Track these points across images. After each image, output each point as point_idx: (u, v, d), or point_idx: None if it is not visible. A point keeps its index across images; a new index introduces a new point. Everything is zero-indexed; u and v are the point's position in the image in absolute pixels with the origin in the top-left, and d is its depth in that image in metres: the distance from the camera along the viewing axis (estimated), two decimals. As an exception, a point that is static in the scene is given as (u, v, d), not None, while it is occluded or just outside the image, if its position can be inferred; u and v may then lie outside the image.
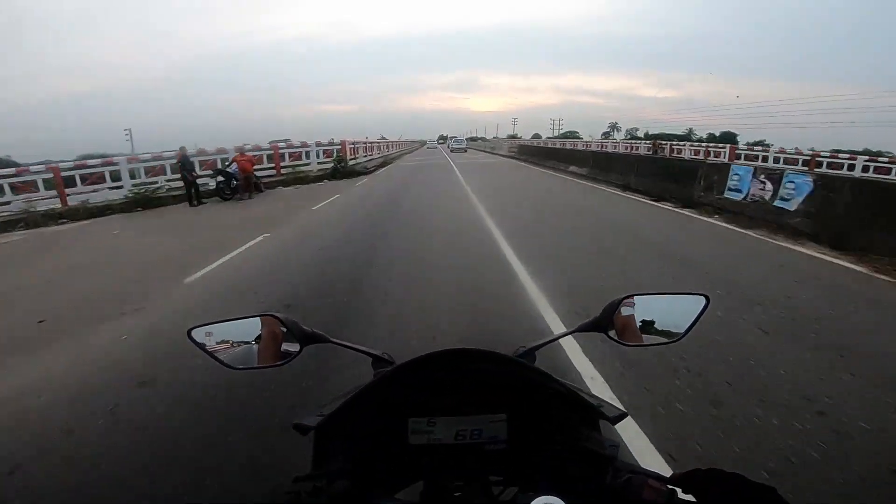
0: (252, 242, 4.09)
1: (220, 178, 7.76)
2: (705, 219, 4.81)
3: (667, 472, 0.41)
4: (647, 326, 0.50)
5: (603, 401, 0.47)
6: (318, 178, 10.20)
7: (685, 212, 5.20)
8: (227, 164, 8.46)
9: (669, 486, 0.39)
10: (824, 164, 11.38)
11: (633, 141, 25.26)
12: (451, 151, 29.67)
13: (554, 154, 14.05)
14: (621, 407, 0.48)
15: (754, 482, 0.35)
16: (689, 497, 0.38)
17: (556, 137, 49.88)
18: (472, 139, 61.61)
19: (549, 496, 0.38)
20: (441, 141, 79.53)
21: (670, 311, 0.51)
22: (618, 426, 0.54)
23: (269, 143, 11.12)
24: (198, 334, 0.51)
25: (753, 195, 4.76)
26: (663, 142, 18.29)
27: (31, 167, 7.04)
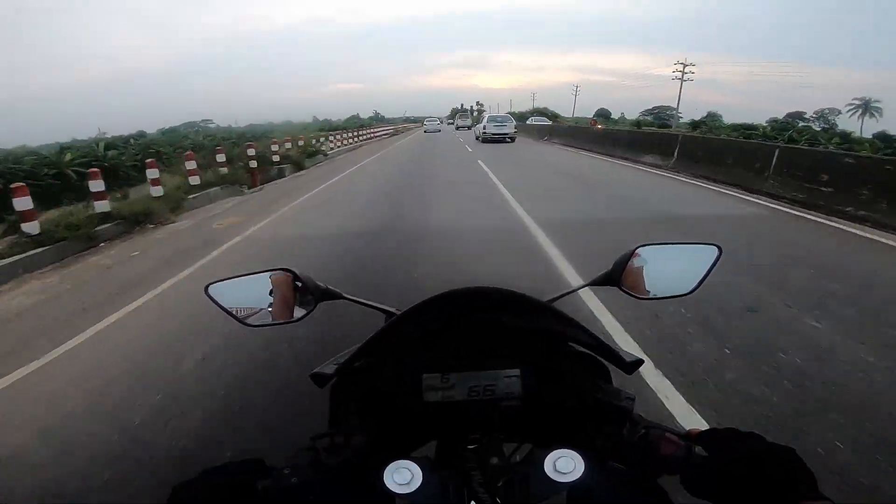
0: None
1: None
2: None
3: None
4: (658, 278, 0.67)
5: (618, 348, 0.62)
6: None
7: None
8: None
9: (687, 442, 0.52)
10: None
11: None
12: (484, 141, 20.19)
13: None
14: (637, 354, 0.62)
15: (772, 443, 0.49)
16: (705, 454, 0.51)
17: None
18: (543, 114, 48.56)
19: (564, 449, 0.50)
20: (450, 121, 66.66)
21: (681, 262, 0.68)
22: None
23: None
24: (214, 290, 0.68)
25: None
26: None
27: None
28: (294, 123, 39.80)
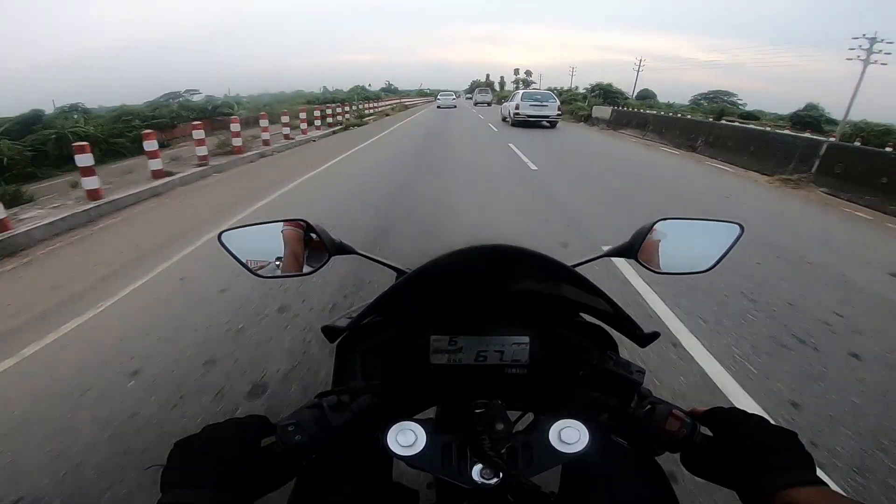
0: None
1: None
2: None
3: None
4: (677, 252, 0.70)
5: (634, 319, 0.62)
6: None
7: None
8: None
9: (693, 421, 0.56)
10: None
11: None
12: (514, 124, 16.69)
13: None
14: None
15: (775, 425, 0.53)
16: (709, 433, 0.55)
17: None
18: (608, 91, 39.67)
19: (569, 420, 0.54)
20: (468, 95, 69.05)
21: (701, 238, 0.71)
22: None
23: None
24: (227, 238, 0.71)
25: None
26: None
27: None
28: (305, 93, 37.40)
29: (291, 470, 0.54)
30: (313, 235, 0.73)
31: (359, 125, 17.70)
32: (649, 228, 0.71)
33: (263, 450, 0.52)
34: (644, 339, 0.63)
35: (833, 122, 32.76)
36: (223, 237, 0.73)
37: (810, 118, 34.97)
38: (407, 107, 38.19)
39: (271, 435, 0.54)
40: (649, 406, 0.58)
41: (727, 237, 0.71)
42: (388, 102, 36.20)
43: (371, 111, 25.14)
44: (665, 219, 0.72)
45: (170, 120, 15.36)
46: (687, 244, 0.72)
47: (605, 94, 44.63)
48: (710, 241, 0.72)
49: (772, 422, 0.54)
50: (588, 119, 21.64)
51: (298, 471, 0.56)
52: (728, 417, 0.56)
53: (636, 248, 0.72)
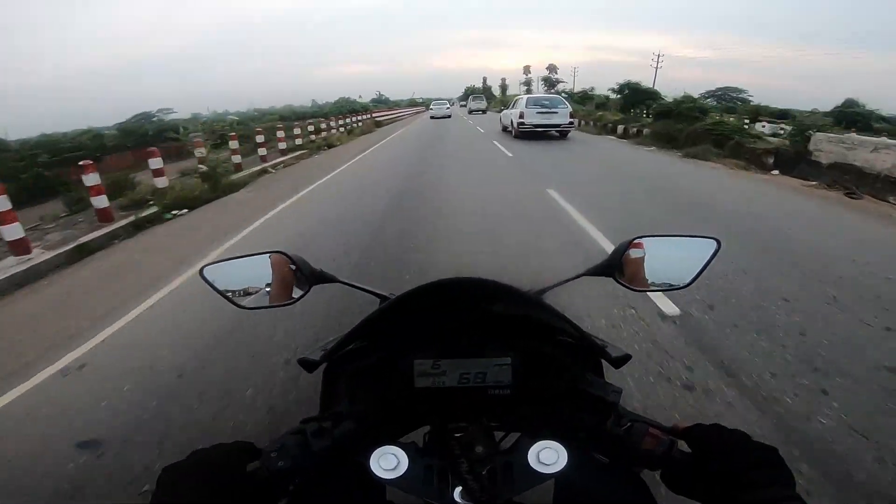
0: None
1: None
2: None
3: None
4: (655, 270, 0.73)
5: (606, 342, 0.67)
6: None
7: None
8: None
9: (670, 437, 0.58)
10: None
11: None
12: (518, 136, 14.34)
13: None
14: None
15: (756, 442, 0.54)
16: (688, 451, 0.57)
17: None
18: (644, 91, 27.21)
19: (549, 441, 0.56)
20: (462, 103, 67.46)
21: (679, 254, 0.74)
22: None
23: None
24: (209, 272, 0.75)
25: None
26: None
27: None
28: (294, 108, 36.06)
29: (276, 495, 0.57)
30: (292, 266, 0.76)
31: (210, 198, 7.37)
32: (627, 245, 0.74)
33: (248, 475, 0.55)
34: (616, 361, 0.67)
35: (885, 121, 30.33)
36: (205, 271, 0.76)
37: (858, 116, 30.40)
38: (380, 124, 26.63)
39: (256, 460, 0.56)
40: (628, 424, 0.60)
41: (705, 252, 0.74)
42: (359, 118, 26.01)
43: (296, 141, 14.64)
44: (643, 236, 0.75)
45: (92, 151, 11.79)
46: (665, 260, 0.75)
47: (634, 94, 40.89)
48: (689, 257, 0.75)
49: (752, 438, 0.55)
50: (794, 164, 9.08)
51: (285, 495, 0.58)
52: (708, 434, 0.57)
53: (614, 265, 0.75)
